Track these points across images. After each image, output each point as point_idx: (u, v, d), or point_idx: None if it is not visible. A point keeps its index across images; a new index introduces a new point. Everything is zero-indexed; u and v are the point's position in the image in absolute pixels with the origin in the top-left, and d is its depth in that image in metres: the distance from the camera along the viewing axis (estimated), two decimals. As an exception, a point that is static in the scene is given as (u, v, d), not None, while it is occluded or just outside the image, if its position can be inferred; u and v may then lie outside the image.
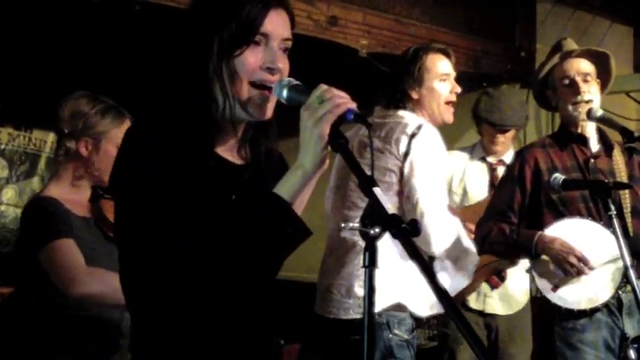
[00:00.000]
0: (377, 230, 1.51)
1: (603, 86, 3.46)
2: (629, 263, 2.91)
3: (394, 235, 1.48)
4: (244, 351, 1.80)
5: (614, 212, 2.95)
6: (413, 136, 3.00)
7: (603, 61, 3.46)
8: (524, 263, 4.10)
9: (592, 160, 3.36)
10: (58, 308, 2.70)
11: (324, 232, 3.19)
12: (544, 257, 3.27)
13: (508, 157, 4.38)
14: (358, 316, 2.93)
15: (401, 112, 3.13)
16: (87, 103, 2.82)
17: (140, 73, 4.57)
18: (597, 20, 5.69)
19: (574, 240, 3.21)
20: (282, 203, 1.66)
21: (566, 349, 3.21)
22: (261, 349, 1.85)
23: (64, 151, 2.82)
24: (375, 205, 1.52)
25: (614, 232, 2.95)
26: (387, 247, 1.55)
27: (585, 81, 3.36)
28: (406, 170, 2.99)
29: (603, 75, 3.46)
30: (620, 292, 3.18)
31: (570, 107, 3.37)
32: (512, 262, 3.89)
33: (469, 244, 3.16)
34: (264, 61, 1.74)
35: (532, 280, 3.37)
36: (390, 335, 2.94)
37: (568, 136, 3.42)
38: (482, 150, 4.42)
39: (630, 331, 3.18)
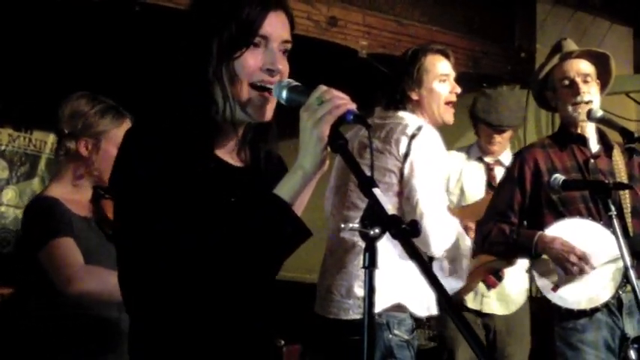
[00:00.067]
0: (377, 231, 1.51)
1: (603, 87, 3.46)
2: (629, 263, 2.91)
3: (394, 236, 1.48)
4: (244, 351, 1.80)
5: (615, 212, 2.95)
6: (413, 137, 3.00)
7: (603, 61, 3.46)
8: (522, 263, 4.11)
9: (592, 161, 3.36)
10: (58, 308, 2.71)
11: (325, 233, 3.19)
12: (544, 257, 3.27)
13: (505, 157, 4.39)
14: (358, 317, 2.93)
15: (401, 113, 3.14)
16: (86, 103, 2.83)
17: (140, 73, 4.57)
18: (597, 21, 5.69)
19: (574, 240, 3.21)
20: (282, 204, 1.66)
21: (567, 349, 3.21)
22: (261, 350, 1.86)
23: (64, 151, 2.82)
24: (374, 205, 1.52)
25: (614, 233, 2.95)
26: (387, 247, 1.55)
27: (585, 82, 3.36)
28: (406, 171, 2.99)
29: (603, 76, 3.46)
30: (621, 292, 3.18)
31: (570, 108, 3.37)
32: (510, 262, 3.89)
33: (465, 246, 3.17)
34: (263, 63, 1.74)
35: (532, 280, 3.37)
36: (390, 336, 2.94)
37: (568, 137, 3.42)
38: (479, 150, 4.42)
39: (630, 331, 3.18)
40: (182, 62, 1.77)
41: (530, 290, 4.78)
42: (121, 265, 1.80)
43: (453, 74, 3.23)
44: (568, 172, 3.29)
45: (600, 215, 3.22)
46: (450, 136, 3.53)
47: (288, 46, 1.79)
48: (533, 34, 5.44)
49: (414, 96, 3.17)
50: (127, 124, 2.81)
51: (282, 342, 4.46)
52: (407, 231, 1.48)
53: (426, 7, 4.91)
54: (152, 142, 1.70)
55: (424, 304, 3.02)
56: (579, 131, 3.40)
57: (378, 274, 1.52)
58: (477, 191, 4.29)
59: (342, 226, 1.72)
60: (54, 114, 2.87)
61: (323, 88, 1.66)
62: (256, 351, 1.84)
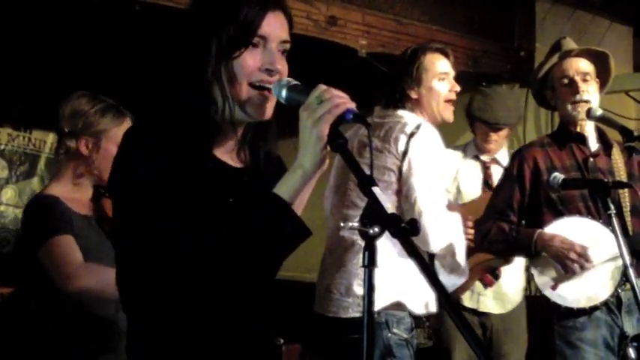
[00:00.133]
0: (376, 229, 1.51)
1: (602, 86, 3.47)
2: (628, 262, 2.91)
3: (393, 235, 1.49)
4: (244, 351, 1.80)
5: (614, 211, 2.95)
6: (412, 135, 3.01)
7: (602, 60, 3.46)
8: (519, 262, 4.12)
9: (591, 159, 3.36)
10: (58, 308, 2.71)
11: (324, 232, 3.19)
12: (543, 255, 3.27)
13: (501, 155, 4.39)
14: (357, 315, 2.93)
15: (400, 112, 3.14)
16: (87, 102, 2.83)
17: (140, 73, 4.57)
18: (597, 20, 5.69)
19: (574, 238, 3.21)
20: (282, 203, 1.67)
21: (566, 348, 3.21)
22: (261, 350, 1.86)
23: (64, 150, 2.83)
24: (374, 204, 1.52)
25: (613, 231, 2.95)
26: (386, 246, 1.55)
27: (584, 80, 3.36)
28: (405, 169, 3.00)
29: (602, 74, 3.46)
30: (620, 291, 3.19)
31: (569, 106, 3.37)
32: (507, 261, 3.89)
33: (463, 244, 3.17)
34: (262, 63, 1.74)
35: (532, 278, 3.37)
36: (389, 334, 2.94)
37: (567, 136, 3.43)
38: (475, 148, 4.41)
39: (629, 329, 3.19)
40: (182, 62, 1.78)
41: (530, 289, 4.79)
42: (120, 265, 1.79)
43: (452, 73, 3.24)
44: (567, 171, 3.29)
45: (599, 214, 3.22)
46: (449, 135, 3.54)
47: (287, 46, 1.79)
48: (533, 33, 5.44)
49: (414, 95, 3.17)
50: (127, 123, 2.82)
51: (282, 341, 4.46)
52: (406, 230, 1.48)
53: (426, 6, 4.91)
54: (152, 142, 1.70)
55: (423, 302, 3.02)
56: (578, 130, 3.40)
57: (378, 273, 1.53)
58: (473, 189, 4.29)
59: (342, 224, 1.72)
60: (54, 113, 2.88)
61: (322, 87, 1.66)
62: (256, 351, 1.84)
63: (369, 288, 1.52)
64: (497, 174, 4.33)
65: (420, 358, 3.20)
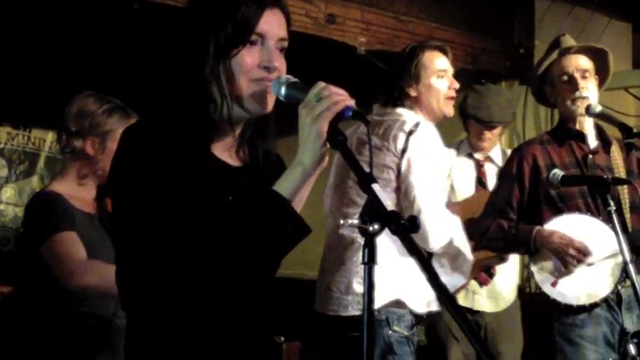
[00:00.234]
0: (376, 227, 1.51)
1: (601, 83, 3.47)
2: (628, 258, 2.91)
3: (393, 232, 1.48)
4: (244, 350, 1.80)
5: (614, 208, 2.95)
6: (410, 133, 3.01)
7: (602, 57, 3.46)
8: (513, 260, 4.11)
9: (590, 156, 3.36)
10: (58, 307, 2.71)
11: (324, 230, 3.19)
12: (543, 252, 3.27)
13: (495, 153, 4.38)
14: (357, 313, 2.94)
15: (399, 110, 3.14)
16: (94, 102, 2.83)
17: (139, 71, 4.57)
18: (596, 16, 5.69)
19: (573, 235, 3.21)
20: (282, 201, 1.66)
21: (566, 345, 3.22)
22: (261, 349, 1.86)
23: (70, 150, 2.83)
24: (373, 201, 1.52)
25: (613, 228, 2.95)
26: (386, 243, 1.55)
27: (584, 77, 3.36)
28: (404, 167, 3.00)
29: (601, 71, 3.46)
30: (620, 288, 3.19)
31: (569, 103, 3.37)
32: (502, 259, 3.89)
33: (466, 243, 3.17)
34: (260, 61, 1.74)
35: (531, 275, 3.37)
36: (390, 332, 2.94)
37: (566, 133, 3.43)
38: (468, 146, 4.40)
39: (630, 326, 3.19)
40: (181, 62, 1.77)
41: (529, 286, 4.79)
42: (119, 264, 1.80)
43: (451, 70, 3.24)
44: (566, 168, 3.29)
45: (599, 211, 3.23)
46: (448, 135, 3.54)
47: (285, 43, 1.79)
48: (532, 30, 5.44)
49: (413, 92, 3.17)
50: None
51: (282, 339, 4.46)
52: (406, 227, 1.48)
53: (425, 3, 4.90)
54: (152, 142, 1.70)
55: (424, 300, 3.02)
56: (578, 127, 3.40)
57: (377, 271, 1.53)
58: (466, 188, 4.27)
59: (341, 222, 1.72)
60: (53, 112, 2.88)
61: (321, 84, 1.66)
62: (256, 350, 1.84)
63: (369, 285, 1.52)
64: (490, 172, 4.33)
65: (421, 355, 3.20)
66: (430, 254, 3.05)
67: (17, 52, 5.11)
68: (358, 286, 2.95)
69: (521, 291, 5.03)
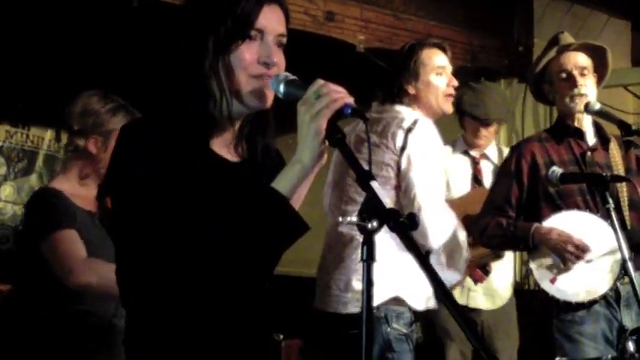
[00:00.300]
0: (374, 224, 1.51)
1: (600, 80, 3.47)
2: (627, 255, 2.91)
3: (392, 229, 1.48)
4: (242, 345, 1.81)
5: (612, 205, 2.95)
6: (409, 130, 3.01)
7: (600, 54, 3.46)
8: (508, 258, 4.11)
9: (589, 154, 3.37)
10: (58, 307, 2.71)
11: (323, 228, 3.19)
12: (542, 249, 3.27)
13: (491, 151, 4.38)
14: (357, 311, 2.93)
15: (397, 107, 3.14)
16: (98, 100, 2.83)
17: (138, 70, 4.57)
18: (595, 14, 5.69)
19: (572, 232, 3.22)
20: (280, 198, 1.66)
21: (565, 342, 3.22)
22: (259, 344, 1.86)
23: (73, 148, 2.83)
24: (372, 199, 1.52)
25: (612, 225, 2.95)
26: (386, 240, 1.55)
27: (582, 74, 3.36)
28: (403, 164, 3.00)
29: (600, 69, 3.46)
30: (619, 284, 3.19)
31: (567, 100, 3.37)
32: (497, 256, 3.89)
33: (463, 240, 3.17)
34: (259, 56, 1.74)
35: (530, 272, 3.37)
36: (389, 329, 2.95)
37: (564, 130, 3.43)
38: (464, 144, 4.39)
39: (628, 323, 3.19)
40: (180, 59, 1.77)
41: (528, 283, 4.79)
42: (119, 262, 1.80)
43: (449, 67, 3.24)
44: (565, 166, 3.30)
45: (598, 208, 3.23)
46: (447, 132, 3.54)
47: (284, 39, 1.79)
48: (531, 28, 5.44)
49: (411, 90, 3.17)
50: None
51: (281, 336, 4.46)
52: (405, 224, 1.48)
53: (424, 1, 4.90)
54: (151, 140, 1.70)
55: (423, 296, 3.02)
56: (576, 124, 3.41)
57: (377, 268, 1.53)
58: (462, 185, 4.26)
59: (340, 220, 1.72)
60: (55, 110, 2.88)
61: (320, 81, 1.66)
62: (254, 345, 1.84)
63: (368, 282, 1.52)
64: (486, 169, 4.33)
65: (420, 352, 3.20)
66: (428, 251, 3.05)
67: (16, 51, 5.11)
68: (357, 284, 2.95)
69: (520, 288, 5.04)
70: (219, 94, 1.75)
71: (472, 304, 4.19)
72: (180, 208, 1.66)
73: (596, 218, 3.23)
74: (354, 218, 1.54)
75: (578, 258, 3.19)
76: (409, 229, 1.48)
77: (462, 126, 4.39)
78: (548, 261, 3.27)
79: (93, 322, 2.73)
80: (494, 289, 4.22)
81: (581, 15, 5.59)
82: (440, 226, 2.99)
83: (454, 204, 3.83)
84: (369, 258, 1.52)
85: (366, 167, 1.59)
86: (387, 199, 1.53)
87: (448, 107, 3.22)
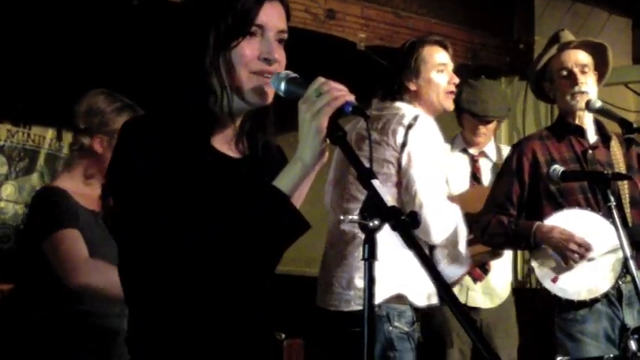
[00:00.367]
0: (376, 222, 1.51)
1: (600, 78, 3.47)
2: (629, 254, 2.90)
3: (393, 227, 1.48)
4: (244, 343, 1.80)
5: (614, 203, 2.95)
6: (409, 127, 3.01)
7: (601, 52, 3.46)
8: (507, 256, 4.10)
9: (590, 152, 3.36)
10: (58, 307, 2.70)
11: (325, 226, 3.19)
12: (543, 248, 3.27)
13: (489, 148, 4.37)
14: (359, 308, 2.94)
15: (397, 104, 3.14)
16: (104, 100, 2.83)
17: (139, 68, 4.56)
18: (595, 12, 5.68)
19: (574, 230, 3.21)
20: (281, 196, 1.66)
21: (567, 340, 3.22)
22: (261, 342, 1.86)
23: (78, 147, 2.83)
24: (374, 197, 1.52)
25: (613, 223, 2.94)
26: (388, 237, 1.55)
27: (583, 72, 3.36)
28: (404, 161, 3.00)
29: (600, 67, 3.46)
30: (620, 283, 3.19)
31: (568, 97, 3.37)
32: (497, 255, 3.88)
33: (464, 234, 3.17)
34: (260, 52, 1.74)
35: (532, 271, 3.37)
36: (391, 328, 2.95)
37: (565, 128, 3.43)
38: (463, 141, 4.37)
39: (630, 321, 3.19)
40: (181, 57, 1.77)
41: (530, 282, 4.78)
42: (121, 260, 1.80)
43: (450, 65, 3.24)
44: (566, 163, 3.29)
45: (599, 206, 3.23)
46: (448, 130, 3.54)
47: (285, 36, 1.79)
48: (532, 25, 5.43)
49: (412, 86, 3.17)
50: None
51: (283, 336, 4.46)
52: (406, 222, 1.48)
53: (425, -1, 4.91)
54: (152, 139, 1.70)
55: (424, 293, 3.02)
56: (577, 122, 3.40)
57: (379, 265, 1.53)
58: (461, 183, 4.24)
59: (342, 218, 1.72)
60: (56, 109, 2.88)
61: (321, 79, 1.65)
62: (256, 343, 1.84)
63: (370, 281, 1.52)
64: (485, 167, 4.32)
65: (421, 350, 3.20)
66: (432, 247, 3.05)
67: (17, 50, 5.11)
68: (360, 282, 2.95)
69: (522, 287, 5.04)
70: (220, 90, 1.74)
71: (471, 303, 4.18)
72: (180, 207, 1.66)
73: (597, 216, 3.22)
74: (356, 217, 1.54)
75: (580, 256, 3.18)
76: (410, 227, 1.48)
77: (460, 124, 4.38)
78: (549, 259, 3.27)
79: (93, 322, 2.73)
80: (493, 287, 4.21)
81: (581, 12, 5.59)
82: (442, 222, 3.00)
83: (452, 202, 3.84)
84: (370, 256, 1.52)
85: (367, 165, 1.58)
86: (389, 197, 1.52)
87: (449, 104, 3.22)
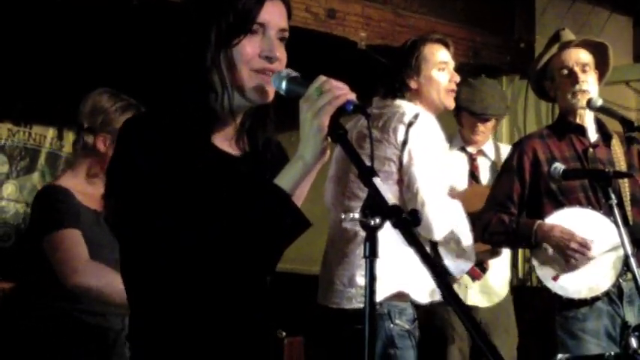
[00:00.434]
0: (377, 220, 1.51)
1: (601, 77, 3.47)
2: (629, 251, 2.91)
3: (394, 225, 1.49)
4: (244, 343, 1.81)
5: (615, 201, 2.95)
6: (410, 124, 3.01)
7: (601, 51, 3.46)
8: (505, 255, 4.10)
9: (591, 150, 3.36)
10: (58, 307, 2.70)
11: (325, 224, 3.19)
12: (544, 246, 3.27)
13: (488, 147, 4.36)
14: (361, 306, 2.92)
15: (398, 102, 3.15)
16: (108, 99, 2.84)
17: (139, 68, 4.57)
18: (596, 11, 5.68)
19: (574, 229, 3.21)
20: (282, 194, 1.67)
21: (568, 339, 3.22)
22: (262, 341, 1.86)
23: (81, 145, 2.84)
24: (375, 195, 1.52)
25: (614, 221, 2.94)
26: (389, 235, 1.55)
27: (584, 71, 3.36)
28: (405, 159, 3.00)
29: (601, 66, 3.46)
30: (621, 281, 3.19)
31: (569, 96, 3.37)
32: (495, 254, 3.88)
33: (467, 228, 3.17)
34: (261, 50, 1.74)
35: (533, 269, 3.37)
36: (392, 325, 2.95)
37: (566, 126, 3.43)
38: (461, 140, 4.37)
39: (631, 319, 3.19)
40: (182, 55, 1.78)
41: (531, 280, 4.78)
42: (122, 258, 1.80)
43: (452, 63, 3.24)
44: (567, 162, 3.29)
45: (600, 204, 3.23)
46: (449, 128, 3.54)
47: (286, 34, 1.80)
48: (533, 24, 5.43)
49: (413, 84, 3.18)
50: None
51: (284, 334, 4.46)
52: (407, 220, 1.49)
53: (425, -2, 4.91)
54: (152, 138, 1.70)
55: (427, 290, 3.02)
56: (578, 120, 3.40)
57: (380, 263, 1.53)
58: (459, 182, 4.23)
59: (343, 216, 1.72)
60: (56, 108, 2.89)
61: (322, 78, 1.66)
62: (256, 342, 1.84)
63: (371, 278, 1.52)
64: (483, 166, 4.31)
65: (422, 348, 3.20)
66: (435, 242, 3.06)
67: (17, 50, 5.11)
68: (361, 279, 2.95)
69: (523, 285, 5.04)
70: (221, 87, 1.75)
71: (469, 302, 4.18)
72: (181, 206, 1.66)
73: (598, 215, 3.22)
74: (357, 215, 1.54)
75: (581, 255, 3.18)
76: (412, 225, 1.48)
77: (458, 122, 4.37)
78: (550, 258, 3.27)
79: (93, 322, 2.73)
80: (491, 286, 4.21)
81: (582, 11, 5.59)
82: (444, 219, 3.00)
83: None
84: (371, 254, 1.52)
85: (368, 163, 1.59)
86: (390, 195, 1.53)
87: (450, 102, 3.22)
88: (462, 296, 4.16)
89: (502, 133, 5.27)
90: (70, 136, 5.89)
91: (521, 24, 5.44)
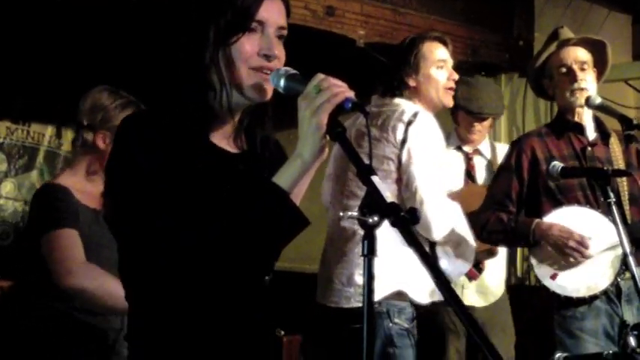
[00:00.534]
0: (375, 219, 1.51)
1: (600, 75, 3.47)
2: (628, 250, 2.90)
3: (393, 224, 1.48)
4: (244, 342, 1.81)
5: (614, 199, 2.94)
6: (409, 123, 3.01)
7: (600, 49, 3.46)
8: (501, 255, 4.10)
9: (589, 148, 3.36)
10: (58, 307, 2.70)
11: (324, 222, 3.19)
12: (543, 245, 3.27)
13: (484, 146, 4.36)
14: (359, 305, 2.93)
15: (397, 100, 3.14)
16: (107, 96, 2.84)
17: (138, 66, 4.56)
18: (595, 8, 5.68)
19: (573, 227, 3.21)
20: (281, 193, 1.66)
21: (566, 337, 3.22)
22: (261, 340, 1.86)
23: (81, 143, 2.83)
24: (373, 193, 1.52)
25: (613, 220, 2.94)
26: (388, 233, 1.55)
27: (582, 69, 3.36)
28: (404, 158, 3.00)
29: (600, 64, 3.46)
30: (619, 280, 3.19)
31: (568, 94, 3.37)
32: (491, 254, 3.88)
33: (467, 229, 3.17)
34: (260, 48, 1.74)
35: (531, 268, 3.37)
36: (391, 324, 2.95)
37: (565, 125, 3.42)
38: (457, 139, 4.36)
39: (629, 318, 3.19)
40: (180, 54, 1.77)
41: (529, 279, 4.78)
42: (121, 258, 1.80)
43: (450, 61, 3.24)
44: (565, 160, 3.29)
45: (598, 203, 3.23)
46: (442, 128, 3.53)
47: (284, 32, 1.79)
48: (532, 22, 5.43)
49: (412, 82, 3.17)
50: None
51: (282, 332, 4.46)
52: (406, 219, 1.48)
53: (424, -4, 4.90)
54: (153, 135, 1.70)
55: (426, 290, 3.02)
56: (576, 119, 3.40)
57: (379, 262, 1.53)
58: (455, 181, 4.23)
59: (341, 214, 1.72)
60: (55, 106, 2.88)
61: (321, 76, 1.65)
62: (256, 342, 1.84)
63: (369, 277, 1.52)
64: (479, 165, 4.31)
65: (421, 347, 3.20)
66: (433, 242, 3.05)
67: (16, 47, 5.10)
68: (360, 278, 2.95)
69: (521, 284, 5.04)
70: (219, 85, 1.75)
71: (465, 302, 4.17)
72: (180, 206, 1.66)
73: (596, 213, 3.22)
74: (355, 213, 1.54)
75: (579, 254, 3.18)
76: (410, 223, 1.48)
77: (455, 121, 4.36)
78: (548, 257, 3.27)
79: (93, 322, 2.73)
80: (487, 286, 4.20)
81: (581, 9, 5.58)
82: (442, 218, 2.99)
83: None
84: (370, 253, 1.52)
85: (366, 161, 1.58)
86: (388, 193, 1.52)
87: (448, 101, 3.22)
88: None
89: (500, 131, 5.27)
90: (68, 135, 5.87)
91: (520, 22, 5.43)
